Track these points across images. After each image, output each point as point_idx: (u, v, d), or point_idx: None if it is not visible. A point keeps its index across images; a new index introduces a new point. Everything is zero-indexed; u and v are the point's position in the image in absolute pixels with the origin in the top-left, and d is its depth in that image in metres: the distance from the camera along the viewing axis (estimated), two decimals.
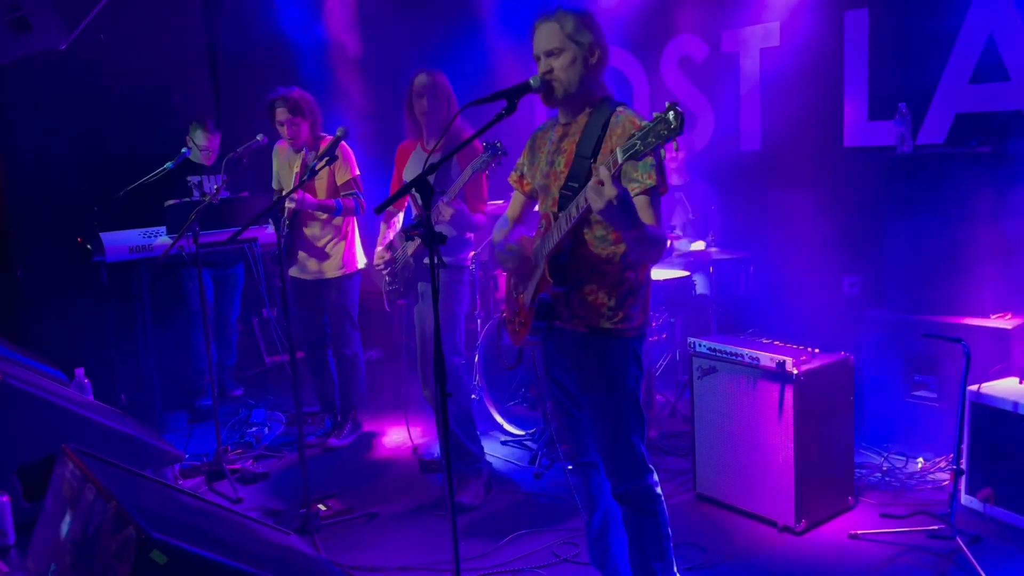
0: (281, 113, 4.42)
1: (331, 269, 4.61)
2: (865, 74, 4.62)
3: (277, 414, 5.30)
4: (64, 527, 1.84)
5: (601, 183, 2.10)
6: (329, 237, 4.58)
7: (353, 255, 4.68)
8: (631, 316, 2.56)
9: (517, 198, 2.87)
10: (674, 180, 5.12)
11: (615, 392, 2.58)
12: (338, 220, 4.57)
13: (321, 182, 4.53)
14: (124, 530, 1.59)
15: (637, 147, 2.06)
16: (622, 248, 2.49)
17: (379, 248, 4.10)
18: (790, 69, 4.98)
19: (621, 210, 2.14)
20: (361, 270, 4.72)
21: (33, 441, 2.78)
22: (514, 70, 5.82)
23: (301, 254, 4.62)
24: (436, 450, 4.45)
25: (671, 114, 2.02)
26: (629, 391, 2.59)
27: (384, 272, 4.05)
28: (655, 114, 2.07)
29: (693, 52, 5.51)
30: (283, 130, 4.48)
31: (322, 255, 4.59)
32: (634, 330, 2.58)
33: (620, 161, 2.10)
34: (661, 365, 5.22)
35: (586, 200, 2.20)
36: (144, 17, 5.75)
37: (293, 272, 4.66)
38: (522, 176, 2.82)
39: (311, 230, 4.58)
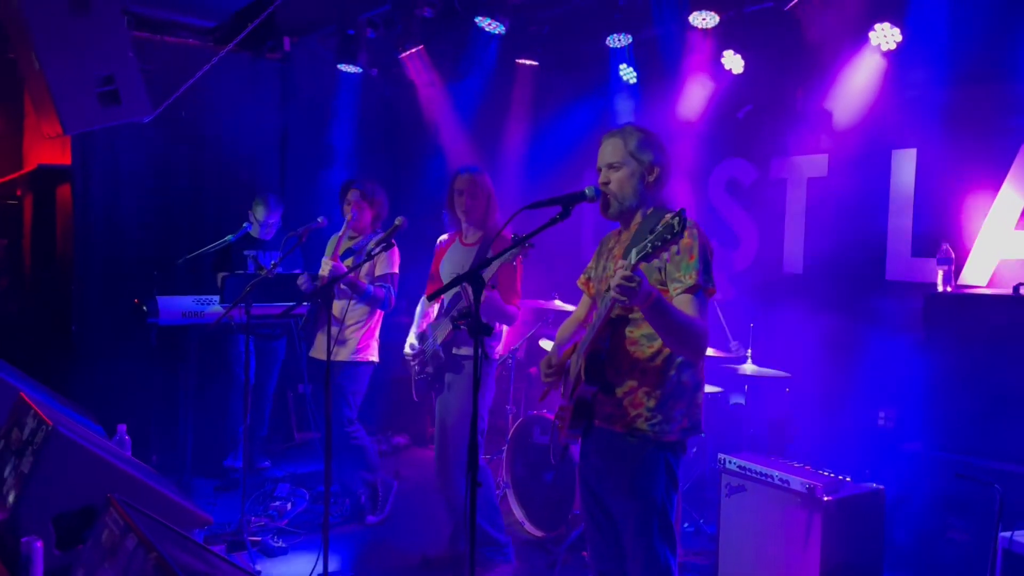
0: (353, 194, 4.67)
1: (344, 353, 4.63)
2: (910, 211, 4.71)
3: (301, 491, 5.32)
4: (102, 575, 1.90)
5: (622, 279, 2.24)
6: (351, 322, 4.64)
7: (368, 346, 4.71)
8: (671, 419, 2.56)
9: (584, 301, 2.97)
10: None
11: (639, 500, 2.55)
12: (363, 307, 4.62)
13: (362, 268, 4.60)
14: None
15: (647, 249, 2.22)
16: (667, 348, 2.54)
17: (411, 338, 4.20)
18: (836, 199, 5.09)
19: (636, 292, 2.23)
20: (373, 363, 4.75)
21: (74, 490, 2.83)
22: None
23: (320, 335, 4.64)
24: (447, 544, 4.24)
25: (675, 220, 2.18)
26: (655, 502, 2.54)
27: (413, 362, 4.13)
28: (666, 216, 2.23)
29: (741, 175, 5.68)
30: (347, 208, 4.67)
31: (339, 338, 4.62)
32: (672, 434, 2.56)
33: (634, 261, 2.24)
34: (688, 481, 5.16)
35: (610, 298, 2.34)
36: (226, 100, 6.14)
37: (312, 353, 4.73)
38: (589, 279, 2.92)
39: (335, 310, 4.56)
